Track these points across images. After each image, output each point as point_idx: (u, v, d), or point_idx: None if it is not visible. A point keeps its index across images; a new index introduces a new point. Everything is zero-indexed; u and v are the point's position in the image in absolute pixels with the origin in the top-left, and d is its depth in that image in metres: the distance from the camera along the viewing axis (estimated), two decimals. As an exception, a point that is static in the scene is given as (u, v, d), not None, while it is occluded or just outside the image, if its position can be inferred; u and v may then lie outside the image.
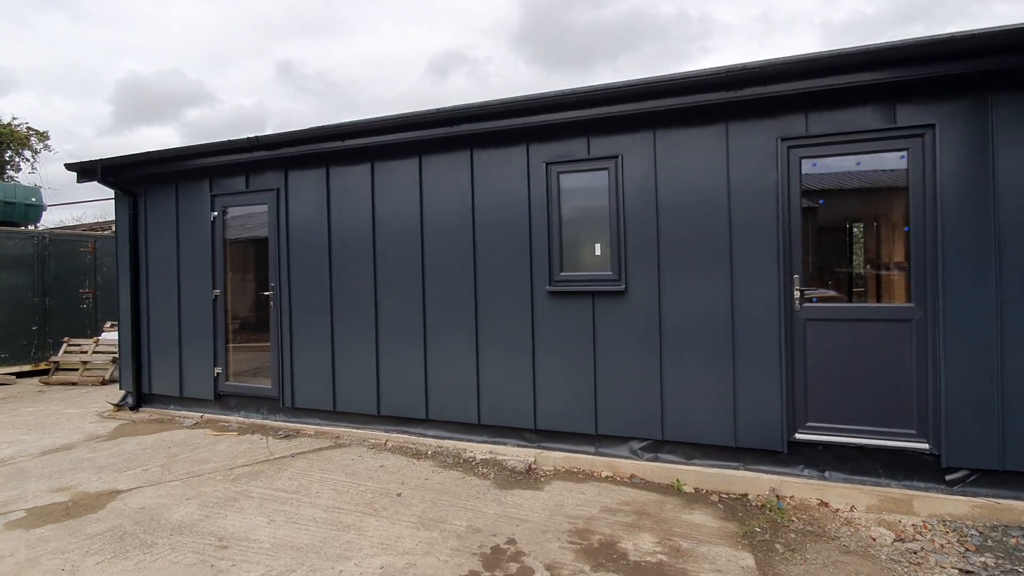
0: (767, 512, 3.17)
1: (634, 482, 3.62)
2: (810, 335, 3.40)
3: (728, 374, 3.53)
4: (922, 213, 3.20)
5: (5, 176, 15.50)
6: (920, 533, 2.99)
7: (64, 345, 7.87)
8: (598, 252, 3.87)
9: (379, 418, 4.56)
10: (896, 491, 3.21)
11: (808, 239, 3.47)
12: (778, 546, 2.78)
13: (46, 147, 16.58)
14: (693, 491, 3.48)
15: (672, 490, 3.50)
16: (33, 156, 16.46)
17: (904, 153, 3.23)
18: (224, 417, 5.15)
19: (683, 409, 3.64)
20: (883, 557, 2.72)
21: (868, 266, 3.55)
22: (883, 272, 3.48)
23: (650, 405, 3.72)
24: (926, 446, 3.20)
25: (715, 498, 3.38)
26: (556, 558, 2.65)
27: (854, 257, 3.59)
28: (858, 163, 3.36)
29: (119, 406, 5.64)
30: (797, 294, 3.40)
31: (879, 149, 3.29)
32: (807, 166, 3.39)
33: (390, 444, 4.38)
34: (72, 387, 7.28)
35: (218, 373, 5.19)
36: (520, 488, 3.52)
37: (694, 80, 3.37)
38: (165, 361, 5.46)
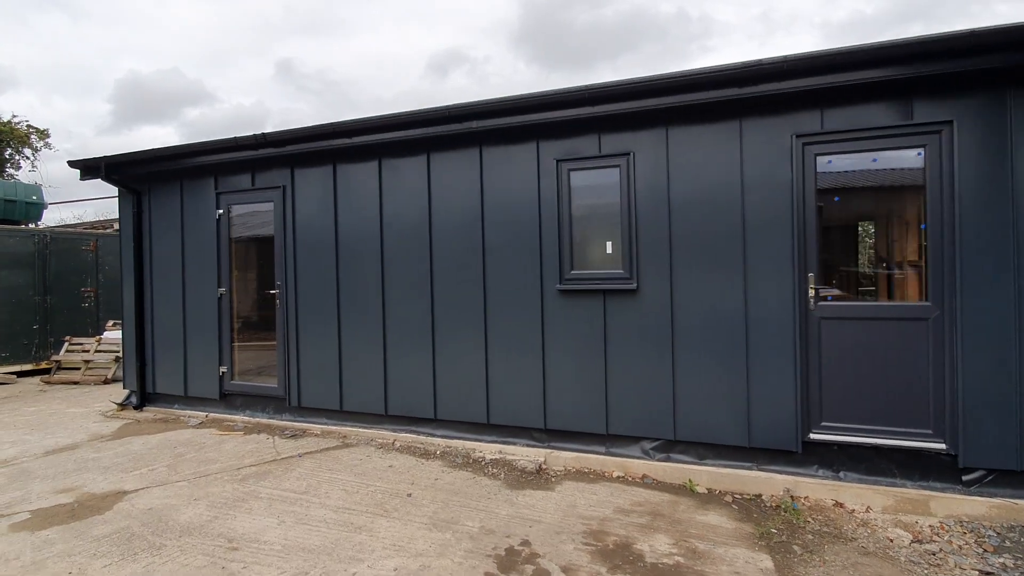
0: (782, 513, 3.13)
1: (646, 482, 3.59)
2: (825, 334, 3.36)
3: (741, 373, 3.50)
4: (939, 211, 3.16)
5: (5, 174, 15.42)
6: (937, 534, 2.96)
7: (66, 344, 7.82)
8: (609, 250, 3.83)
9: (387, 417, 4.52)
10: (912, 492, 3.18)
11: (823, 237, 3.44)
12: (796, 548, 2.75)
13: (46, 145, 16.51)
14: (706, 491, 3.45)
15: (685, 491, 3.46)
16: (33, 154, 16.39)
17: (921, 150, 3.20)
18: (229, 416, 5.10)
19: (696, 409, 3.61)
20: (902, 559, 2.68)
21: (884, 264, 3.51)
22: (899, 270, 3.45)
23: (662, 405, 3.68)
24: (943, 446, 3.17)
25: (729, 499, 3.34)
26: (572, 560, 2.61)
27: (870, 255, 3.55)
28: (874, 160, 3.33)
29: (123, 405, 5.60)
30: (812, 292, 3.37)
31: (896, 146, 3.25)
32: (822, 163, 3.36)
33: (398, 444, 4.34)
34: (74, 386, 7.23)
35: (223, 372, 5.15)
36: (531, 488, 3.48)
37: (708, 76, 3.33)
38: (169, 360, 5.41)
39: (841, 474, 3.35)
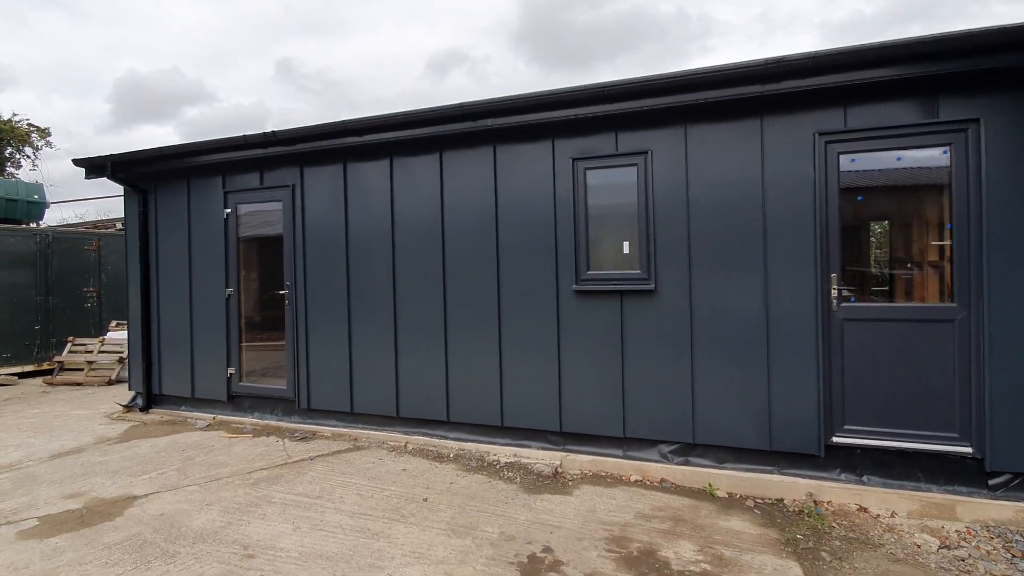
0: (806, 518, 3.08)
1: (664, 486, 3.53)
2: (848, 335, 3.31)
3: (762, 376, 3.44)
4: (966, 210, 3.10)
5: (6, 173, 15.31)
6: (965, 540, 2.90)
7: (68, 345, 7.74)
8: (626, 250, 3.77)
9: (398, 420, 4.46)
10: (938, 496, 3.12)
11: (846, 236, 3.38)
12: (824, 554, 2.69)
13: (47, 144, 16.39)
14: (727, 496, 3.39)
15: (704, 495, 3.41)
16: (34, 153, 16.28)
17: (947, 148, 3.14)
18: (238, 419, 5.04)
19: (715, 412, 3.55)
20: (932, 565, 2.63)
21: (909, 264, 3.45)
22: (924, 271, 3.39)
23: (680, 407, 3.62)
24: (969, 450, 3.11)
25: (750, 503, 3.29)
26: (596, 567, 2.55)
27: (895, 255, 3.49)
28: (898, 158, 3.27)
29: (128, 407, 5.53)
30: (835, 293, 3.31)
31: (921, 144, 3.20)
32: (845, 162, 3.30)
33: (410, 447, 4.28)
34: (77, 387, 7.15)
35: (231, 373, 5.08)
36: (548, 493, 3.43)
37: (729, 73, 3.27)
38: (176, 361, 5.34)
39: (865, 478, 3.29)
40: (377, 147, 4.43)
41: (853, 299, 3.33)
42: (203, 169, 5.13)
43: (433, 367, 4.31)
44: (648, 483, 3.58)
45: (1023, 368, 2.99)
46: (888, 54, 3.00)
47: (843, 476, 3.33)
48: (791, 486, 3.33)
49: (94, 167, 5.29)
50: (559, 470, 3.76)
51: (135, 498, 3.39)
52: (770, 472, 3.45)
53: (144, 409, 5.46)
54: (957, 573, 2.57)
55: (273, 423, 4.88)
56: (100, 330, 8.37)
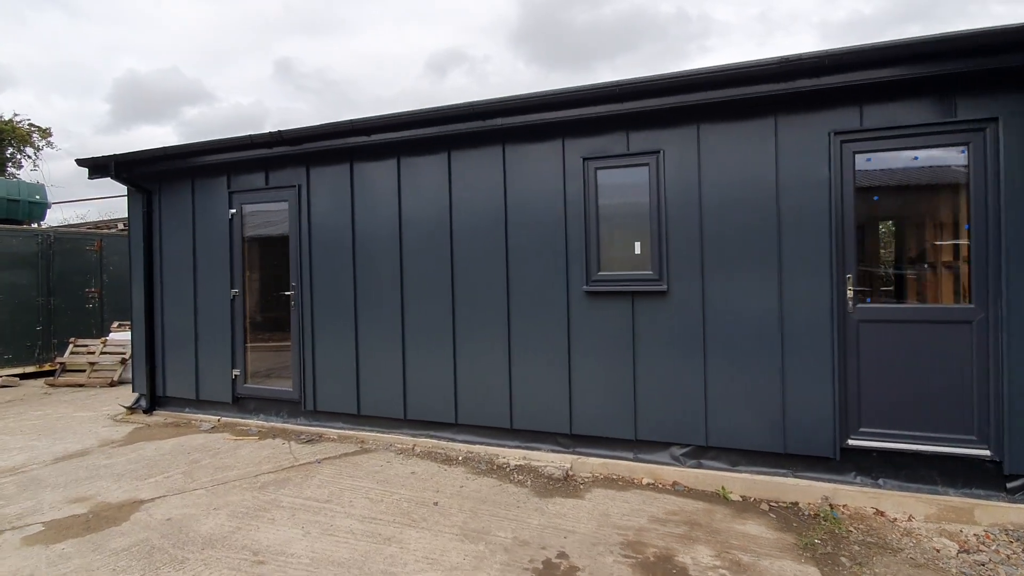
0: (822, 522, 3.04)
1: (677, 490, 3.49)
2: (864, 337, 3.27)
3: (776, 378, 3.40)
4: (984, 210, 3.07)
5: (7, 173, 15.24)
6: (984, 544, 2.87)
7: (70, 346, 7.69)
8: (638, 251, 3.73)
9: (405, 422, 4.42)
10: (955, 500, 3.09)
11: (862, 237, 3.35)
12: (843, 559, 2.65)
13: (48, 144, 16.33)
14: (740, 499, 3.35)
15: (718, 498, 3.37)
16: (35, 153, 16.21)
17: (964, 148, 3.10)
18: (243, 421, 4.99)
19: (728, 414, 3.51)
20: (953, 570, 2.59)
21: (926, 265, 3.41)
22: (941, 272, 3.35)
23: (693, 409, 3.58)
24: (987, 453, 3.08)
25: (765, 507, 3.25)
26: (613, 573, 2.51)
27: (912, 256, 3.45)
28: (915, 158, 3.23)
29: (132, 409, 5.48)
30: (850, 294, 3.27)
31: (938, 144, 3.16)
32: (861, 161, 3.26)
33: (418, 449, 4.23)
34: (79, 389, 7.11)
35: (236, 375, 5.04)
36: (560, 496, 3.38)
37: (744, 71, 3.23)
38: (180, 362, 5.30)
39: (881, 481, 3.25)
40: (384, 147, 4.38)
41: (869, 300, 3.29)
42: (208, 169, 5.08)
43: (441, 369, 4.26)
44: (660, 486, 3.54)
45: (1042, 370, 2.96)
46: (905, 52, 2.96)
47: (858, 479, 3.29)
48: (806, 489, 3.29)
49: (98, 167, 5.24)
50: (570, 473, 3.72)
51: (141, 502, 3.34)
52: (784, 475, 3.41)
53: (148, 411, 5.41)
54: (978, 578, 2.54)
55: (279, 425, 4.83)
56: (102, 331, 8.32)
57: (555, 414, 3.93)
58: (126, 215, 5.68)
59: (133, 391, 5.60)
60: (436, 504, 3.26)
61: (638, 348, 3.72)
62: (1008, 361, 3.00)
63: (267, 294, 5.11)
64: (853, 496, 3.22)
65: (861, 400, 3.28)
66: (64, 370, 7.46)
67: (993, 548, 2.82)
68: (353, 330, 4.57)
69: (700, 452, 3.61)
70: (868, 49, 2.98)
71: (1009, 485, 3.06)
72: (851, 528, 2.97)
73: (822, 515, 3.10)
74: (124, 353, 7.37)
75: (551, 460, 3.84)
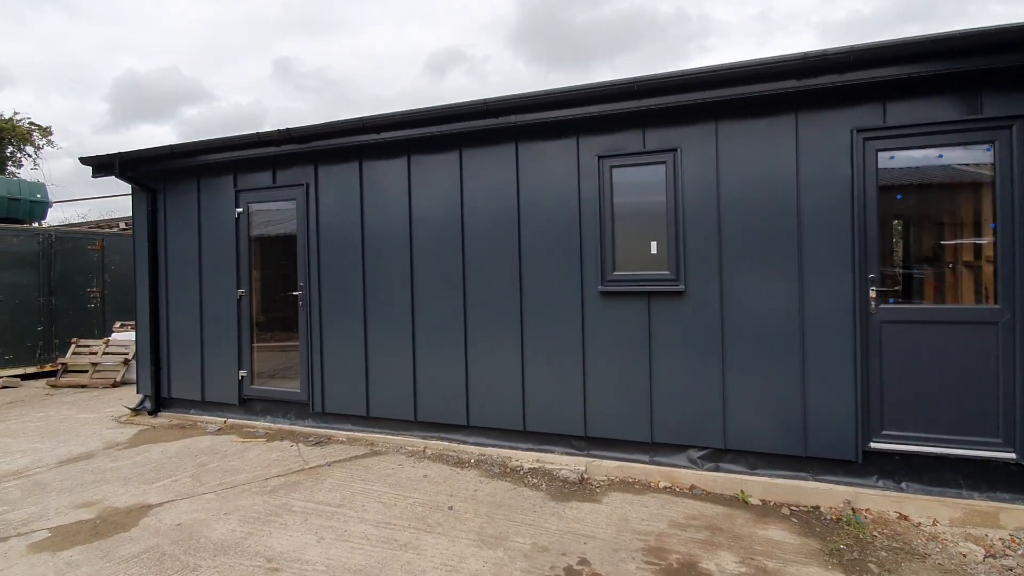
0: (846, 527, 2.98)
1: (695, 493, 3.43)
2: (887, 338, 3.21)
3: (797, 380, 3.34)
4: (1010, 209, 3.01)
5: (7, 172, 15.14)
6: (1010, 548, 2.81)
7: (72, 346, 7.62)
8: (654, 251, 3.66)
9: (416, 424, 4.35)
10: (981, 503, 3.03)
11: (885, 236, 3.29)
12: (871, 566, 2.59)
13: (49, 142, 16.22)
14: (760, 503, 3.29)
15: (737, 502, 3.31)
16: (35, 152, 16.10)
17: (990, 145, 3.05)
18: (249, 422, 4.92)
19: (747, 416, 3.45)
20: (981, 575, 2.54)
21: (950, 265, 3.35)
22: (965, 272, 3.30)
23: (711, 412, 3.52)
24: (1012, 455, 3.02)
25: (786, 511, 3.19)
26: (637, 581, 2.45)
27: (935, 256, 3.40)
28: (940, 156, 3.17)
29: (136, 410, 5.41)
30: (873, 294, 3.21)
31: (963, 142, 3.10)
32: (884, 159, 3.20)
33: (429, 452, 4.17)
34: (82, 390, 7.03)
35: (243, 376, 4.97)
36: (577, 500, 3.32)
37: (765, 67, 3.17)
38: (186, 363, 5.23)
39: (903, 485, 3.20)
40: (394, 144, 4.32)
41: (892, 300, 3.23)
42: (214, 167, 5.01)
43: (452, 369, 4.20)
44: (677, 490, 3.48)
45: (1070, 372, 2.90)
46: (931, 48, 2.90)
47: (881, 483, 3.24)
48: (827, 493, 3.24)
49: (102, 165, 5.17)
50: (585, 476, 3.66)
51: (150, 507, 3.27)
52: (804, 479, 3.36)
53: (153, 412, 5.34)
54: (1009, 585, 2.48)
55: (286, 427, 4.77)
56: (104, 331, 8.24)
57: (569, 416, 3.87)
58: (127, 214, 5.61)
59: (137, 392, 5.53)
60: (451, 508, 3.19)
61: (654, 349, 3.65)
62: (1035, 363, 2.94)
63: (274, 294, 5.04)
64: (876, 500, 3.16)
65: (884, 402, 3.23)
66: (66, 371, 7.39)
67: (1020, 552, 2.76)
68: (362, 330, 4.51)
69: (718, 455, 3.55)
70: (896, 44, 2.92)
71: (1035, 489, 3.00)
72: (875, 533, 2.92)
73: (845, 520, 3.05)
74: (127, 353, 7.30)
75: (565, 463, 3.78)
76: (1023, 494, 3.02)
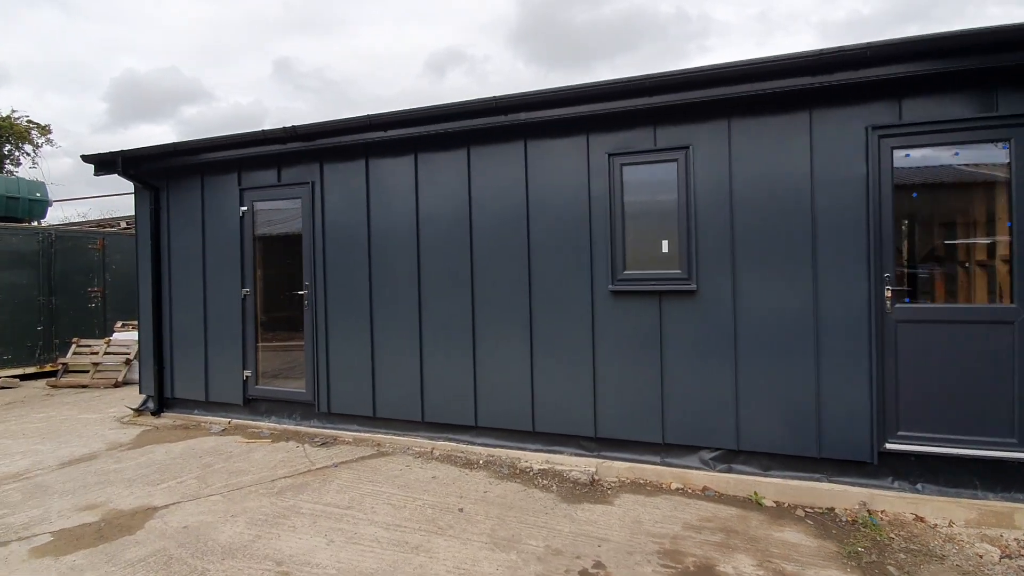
0: (862, 528, 2.95)
1: (707, 495, 3.39)
2: (902, 338, 3.18)
3: (811, 380, 3.31)
4: (1027, 207, 2.98)
5: (5, 171, 15.05)
6: (1026, 549, 2.78)
7: (73, 346, 7.55)
8: (665, 249, 3.63)
9: (423, 424, 4.31)
10: (996, 504, 3.00)
11: (900, 235, 3.26)
12: (891, 568, 2.56)
13: (48, 141, 16.13)
14: (774, 505, 3.26)
15: (751, 504, 3.27)
16: (34, 150, 16.01)
17: (1006, 143, 3.02)
18: (254, 423, 4.87)
19: (760, 417, 3.42)
20: (1001, 578, 2.50)
21: (966, 264, 3.32)
22: (978, 271, 3.27)
23: (723, 412, 3.49)
24: (1029, 457, 2.99)
25: (800, 513, 3.15)
26: (654, 584, 2.41)
27: (951, 255, 3.36)
28: (955, 154, 3.14)
29: (139, 411, 5.35)
30: (888, 294, 3.18)
31: (979, 139, 3.07)
32: (899, 157, 3.17)
33: (437, 452, 4.13)
34: (83, 390, 6.97)
35: (247, 376, 4.92)
36: (588, 502, 3.28)
37: (779, 64, 3.14)
38: (189, 363, 5.17)
39: (919, 486, 3.16)
40: (401, 142, 4.27)
41: (908, 300, 3.20)
42: (218, 165, 4.96)
43: (460, 369, 4.16)
44: (690, 491, 3.44)
45: (1088, 372, 2.87)
46: (948, 45, 2.88)
47: (896, 484, 3.20)
48: (842, 495, 3.20)
49: (104, 163, 5.11)
50: (596, 478, 3.62)
51: (155, 509, 3.22)
52: (818, 480, 3.32)
53: (156, 413, 5.28)
54: (1029, 587, 2.45)
55: (291, 428, 4.72)
56: (104, 331, 8.18)
57: (579, 416, 3.83)
58: (127, 213, 5.57)
59: (140, 392, 5.48)
60: (461, 510, 3.15)
61: (666, 349, 3.62)
62: (1053, 363, 2.91)
63: (279, 293, 4.99)
64: (891, 501, 3.13)
65: (899, 403, 3.19)
66: (67, 371, 7.32)
67: (1037, 554, 2.73)
68: (369, 330, 4.46)
69: (730, 456, 3.51)
70: (913, 41, 2.89)
71: (1052, 490, 2.97)
72: (892, 535, 2.88)
73: (861, 521, 3.01)
74: (129, 353, 7.24)
75: (575, 464, 3.74)
76: (1040, 495, 2.99)
